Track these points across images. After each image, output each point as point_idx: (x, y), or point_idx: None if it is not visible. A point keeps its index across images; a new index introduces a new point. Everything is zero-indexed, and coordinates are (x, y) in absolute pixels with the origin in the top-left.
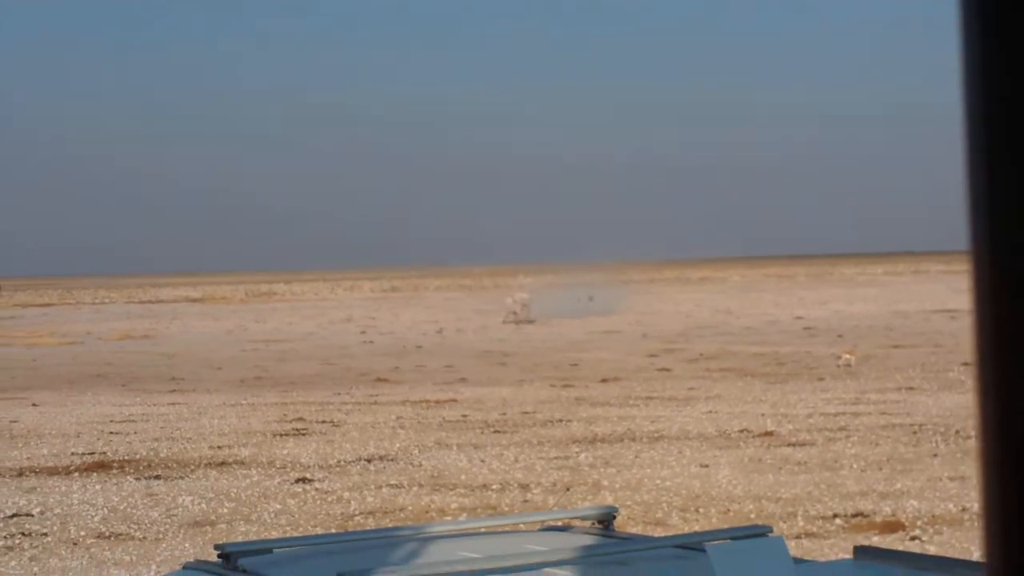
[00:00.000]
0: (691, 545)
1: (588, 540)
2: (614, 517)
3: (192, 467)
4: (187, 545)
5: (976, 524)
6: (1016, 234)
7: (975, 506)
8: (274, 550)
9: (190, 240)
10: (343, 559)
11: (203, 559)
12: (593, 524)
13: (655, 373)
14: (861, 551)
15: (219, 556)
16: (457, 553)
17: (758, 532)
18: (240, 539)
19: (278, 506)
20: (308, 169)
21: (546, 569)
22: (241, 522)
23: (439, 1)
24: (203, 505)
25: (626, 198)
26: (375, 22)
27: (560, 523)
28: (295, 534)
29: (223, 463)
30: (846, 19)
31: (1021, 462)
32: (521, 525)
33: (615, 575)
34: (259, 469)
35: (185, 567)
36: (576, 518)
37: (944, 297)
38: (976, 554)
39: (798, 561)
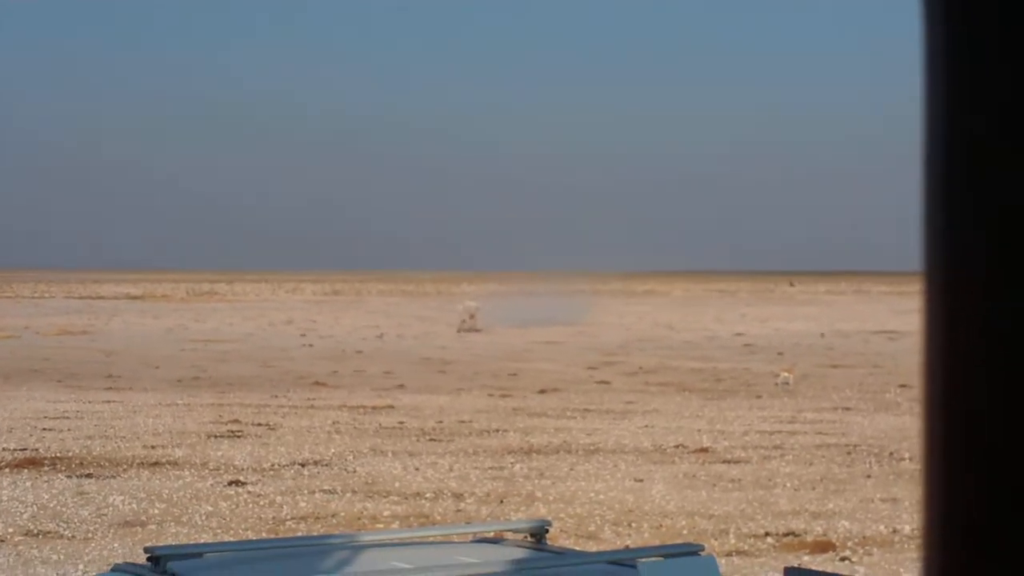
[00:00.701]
0: (623, 561)
1: (520, 553)
2: (547, 531)
3: (125, 466)
4: (116, 545)
5: (906, 546)
6: (967, 237)
7: (906, 528)
8: (204, 555)
9: (132, 236)
10: (273, 566)
11: (132, 561)
12: (526, 537)
13: (594, 385)
14: (791, 572)
15: (148, 559)
16: (388, 563)
17: (690, 551)
18: (170, 541)
19: (210, 508)
20: (254, 167)
21: None
22: (172, 523)
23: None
24: (134, 505)
25: (575, 209)
26: (333, 23)
27: (492, 535)
28: (226, 537)
29: (156, 463)
30: (803, 38)
31: (967, 461)
32: (454, 536)
33: None
34: (192, 470)
35: (114, 569)
36: (509, 530)
37: (884, 318)
38: None
39: None
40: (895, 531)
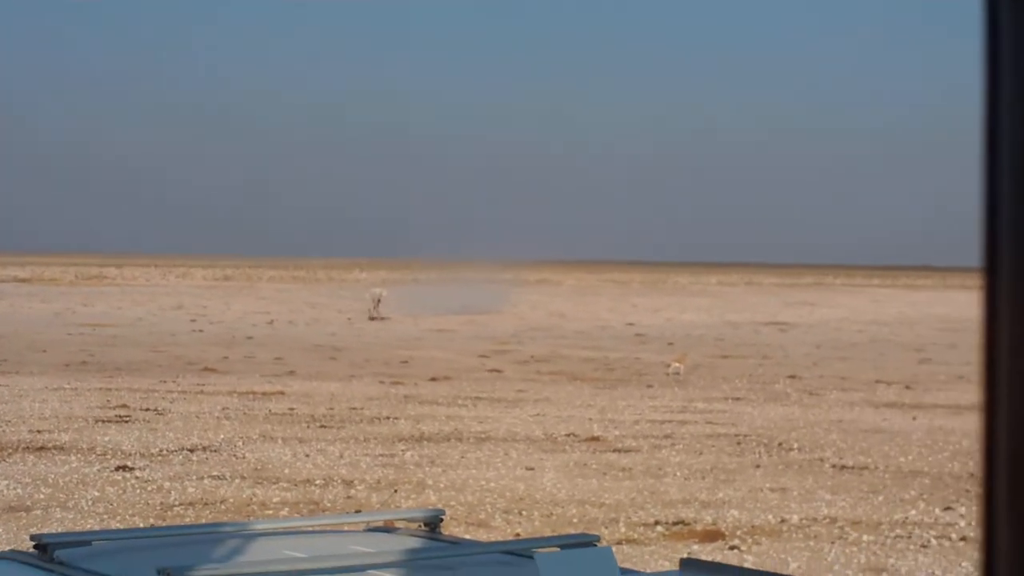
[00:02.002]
0: (519, 552)
1: (414, 543)
2: (441, 520)
3: (9, 451)
4: (0, 530)
5: (793, 535)
6: None
7: (794, 517)
8: (93, 542)
9: (19, 217)
10: (163, 554)
11: (18, 549)
12: (419, 526)
13: (485, 374)
14: (687, 563)
15: (35, 547)
16: (280, 552)
17: (586, 541)
18: (56, 526)
19: (96, 493)
20: (145, 148)
21: (371, 571)
22: (57, 509)
23: None
24: (19, 490)
25: (466, 197)
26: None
27: (382, 523)
28: (113, 522)
29: (42, 448)
30: (701, 34)
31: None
32: (345, 525)
33: None
34: (79, 455)
35: None
36: (403, 519)
37: (775, 309)
38: (792, 566)
39: (625, 572)
40: (783, 521)
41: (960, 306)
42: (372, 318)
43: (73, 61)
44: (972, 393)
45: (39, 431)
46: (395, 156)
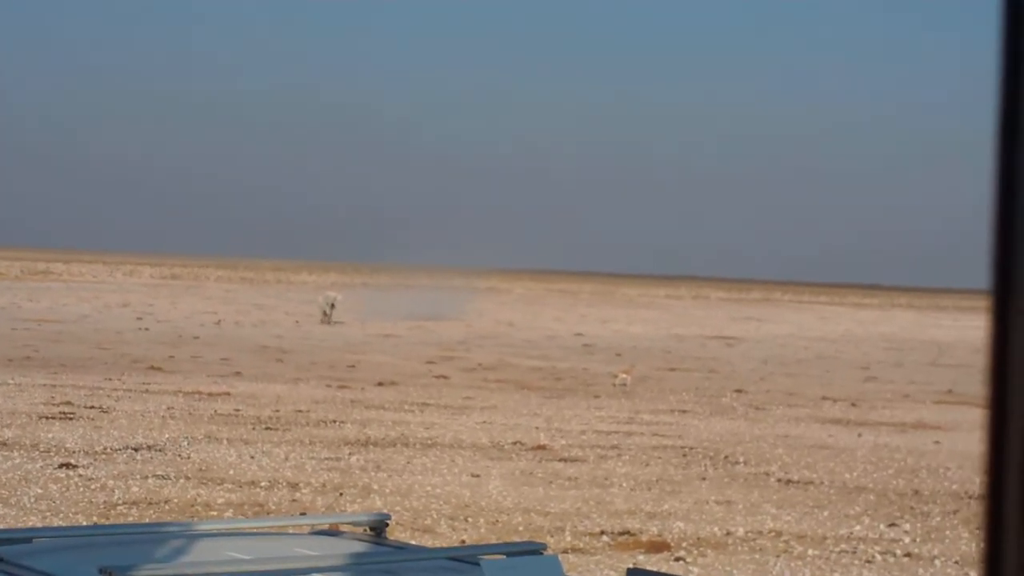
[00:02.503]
0: (465, 559)
1: (360, 547)
2: (386, 525)
3: None
4: None
5: (739, 548)
6: None
7: (740, 530)
8: (34, 540)
9: None
10: (106, 552)
11: None
12: (365, 530)
13: (432, 380)
14: (634, 573)
15: None
16: (225, 553)
17: (533, 549)
18: None
19: (39, 491)
20: (93, 142)
21: (315, 575)
22: None
23: None
24: None
25: (417, 204)
26: None
27: (327, 527)
28: (55, 520)
29: None
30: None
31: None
32: (290, 528)
33: None
34: (22, 452)
35: None
36: (348, 523)
37: (721, 324)
38: None
39: None
40: (728, 533)
41: (906, 325)
42: (324, 322)
43: (21, 48)
44: (917, 412)
45: None
46: (344, 160)
